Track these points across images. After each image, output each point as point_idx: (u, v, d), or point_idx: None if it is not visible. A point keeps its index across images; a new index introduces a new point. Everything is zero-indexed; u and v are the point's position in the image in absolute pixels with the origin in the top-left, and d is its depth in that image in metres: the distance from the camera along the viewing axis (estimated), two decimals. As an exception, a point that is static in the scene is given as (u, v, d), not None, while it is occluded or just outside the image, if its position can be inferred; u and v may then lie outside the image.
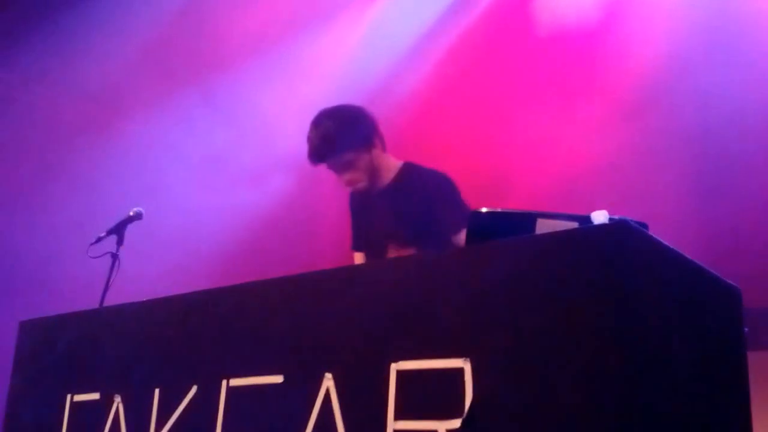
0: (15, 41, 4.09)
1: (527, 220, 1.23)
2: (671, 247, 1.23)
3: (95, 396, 1.81)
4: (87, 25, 4.19)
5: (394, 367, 1.32)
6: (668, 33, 3.75)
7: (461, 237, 1.94)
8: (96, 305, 2.48)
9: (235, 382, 1.56)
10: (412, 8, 4.45)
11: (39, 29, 4.12)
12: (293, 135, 4.30)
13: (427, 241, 2.15)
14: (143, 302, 1.94)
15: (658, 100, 3.69)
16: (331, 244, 4.34)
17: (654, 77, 3.73)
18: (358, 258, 2.43)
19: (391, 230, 2.25)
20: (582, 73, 3.96)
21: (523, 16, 4.24)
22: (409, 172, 2.34)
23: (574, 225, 1.22)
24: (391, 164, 2.36)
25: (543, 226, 1.22)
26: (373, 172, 2.30)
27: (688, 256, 1.28)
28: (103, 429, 1.75)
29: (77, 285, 3.11)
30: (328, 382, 1.40)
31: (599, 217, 1.21)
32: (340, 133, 2.23)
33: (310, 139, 2.29)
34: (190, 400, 1.62)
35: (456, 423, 1.22)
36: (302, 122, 2.38)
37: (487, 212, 1.29)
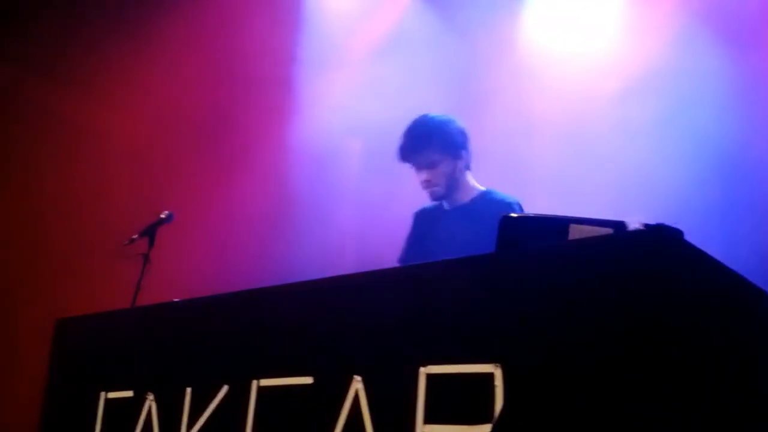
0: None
1: (560, 225, 1.23)
2: (708, 253, 1.22)
3: (129, 394, 1.85)
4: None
5: (424, 371, 1.33)
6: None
7: None
8: (127, 305, 2.53)
9: (266, 382, 1.58)
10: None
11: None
12: (327, 134, 4.36)
13: None
14: (176, 302, 1.98)
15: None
16: (352, 248, 4.37)
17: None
18: None
19: (455, 250, 2.28)
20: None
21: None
22: (486, 198, 2.42)
23: (609, 231, 1.21)
24: (472, 186, 2.46)
25: (576, 232, 1.22)
26: (453, 183, 2.40)
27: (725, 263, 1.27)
28: (136, 426, 1.78)
29: (110, 285, 3.19)
30: (358, 384, 1.41)
31: (633, 223, 1.20)
32: (433, 133, 2.36)
33: (404, 135, 2.40)
34: (221, 400, 1.65)
35: (486, 428, 1.22)
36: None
37: (518, 217, 1.29)
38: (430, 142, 2.35)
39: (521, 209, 2.35)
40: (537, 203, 2.60)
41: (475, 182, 2.49)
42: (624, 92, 3.71)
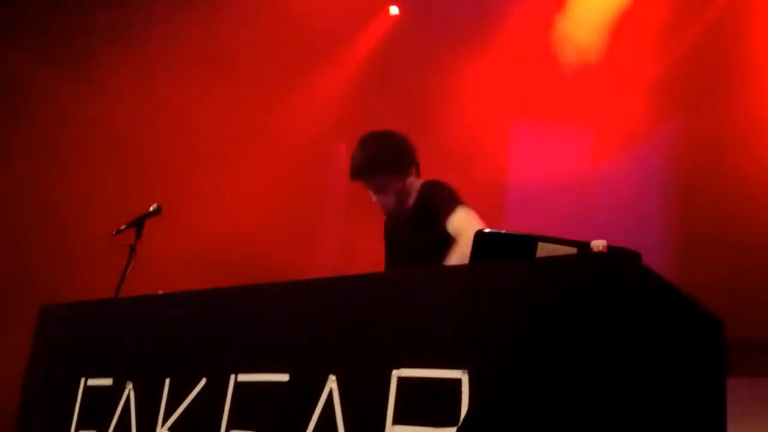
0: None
1: (529, 242, 1.30)
2: (663, 277, 1.30)
3: (108, 382, 1.89)
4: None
5: (396, 373, 1.39)
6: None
7: (454, 219, 2.10)
8: (112, 295, 2.57)
9: (243, 377, 1.63)
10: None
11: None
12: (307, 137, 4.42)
13: (433, 252, 2.22)
14: (159, 295, 2.02)
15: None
16: (336, 249, 4.43)
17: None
18: None
19: (412, 251, 2.34)
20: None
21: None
22: (421, 189, 2.43)
23: (573, 250, 1.29)
24: (417, 186, 2.44)
25: (543, 250, 1.29)
26: (404, 197, 2.41)
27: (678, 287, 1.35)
28: (114, 413, 1.82)
29: (95, 274, 3.22)
30: (332, 383, 1.47)
31: (598, 245, 1.27)
32: (379, 156, 2.35)
33: (353, 158, 2.41)
34: (199, 392, 1.70)
35: (451, 431, 1.29)
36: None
37: (490, 233, 1.36)
38: (378, 167, 2.32)
39: (446, 189, 2.32)
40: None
41: (419, 181, 2.45)
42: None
